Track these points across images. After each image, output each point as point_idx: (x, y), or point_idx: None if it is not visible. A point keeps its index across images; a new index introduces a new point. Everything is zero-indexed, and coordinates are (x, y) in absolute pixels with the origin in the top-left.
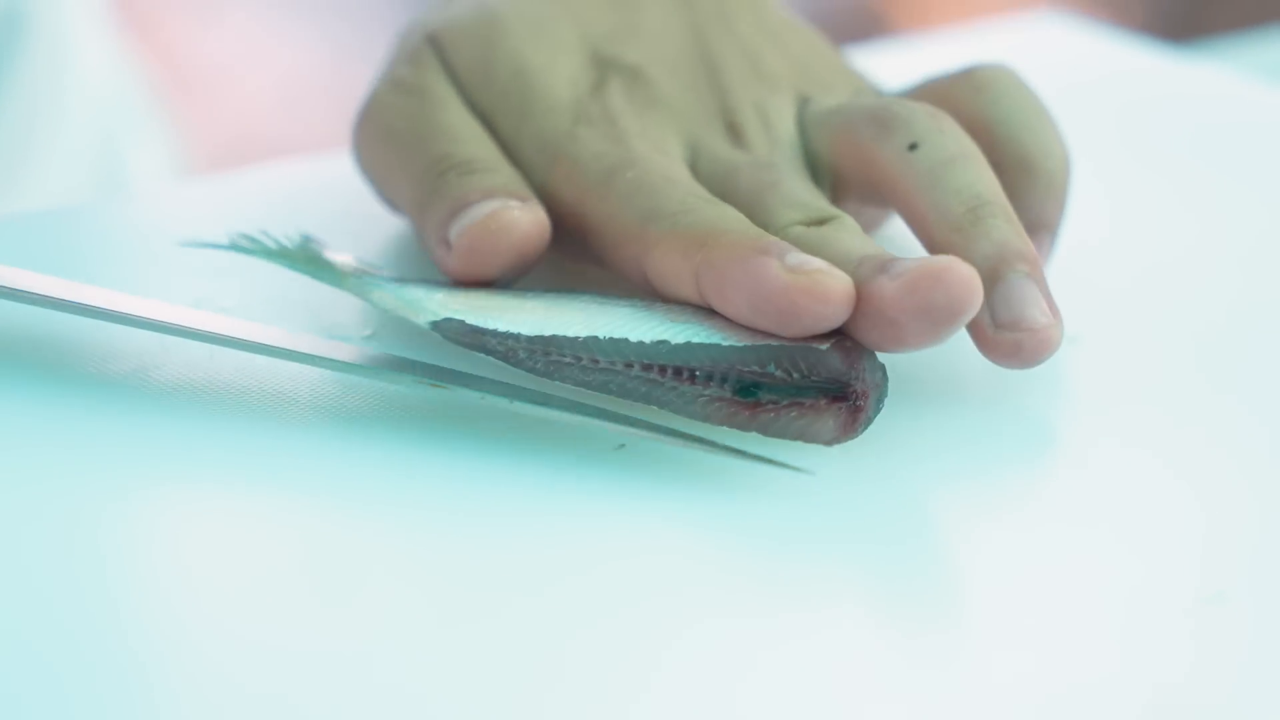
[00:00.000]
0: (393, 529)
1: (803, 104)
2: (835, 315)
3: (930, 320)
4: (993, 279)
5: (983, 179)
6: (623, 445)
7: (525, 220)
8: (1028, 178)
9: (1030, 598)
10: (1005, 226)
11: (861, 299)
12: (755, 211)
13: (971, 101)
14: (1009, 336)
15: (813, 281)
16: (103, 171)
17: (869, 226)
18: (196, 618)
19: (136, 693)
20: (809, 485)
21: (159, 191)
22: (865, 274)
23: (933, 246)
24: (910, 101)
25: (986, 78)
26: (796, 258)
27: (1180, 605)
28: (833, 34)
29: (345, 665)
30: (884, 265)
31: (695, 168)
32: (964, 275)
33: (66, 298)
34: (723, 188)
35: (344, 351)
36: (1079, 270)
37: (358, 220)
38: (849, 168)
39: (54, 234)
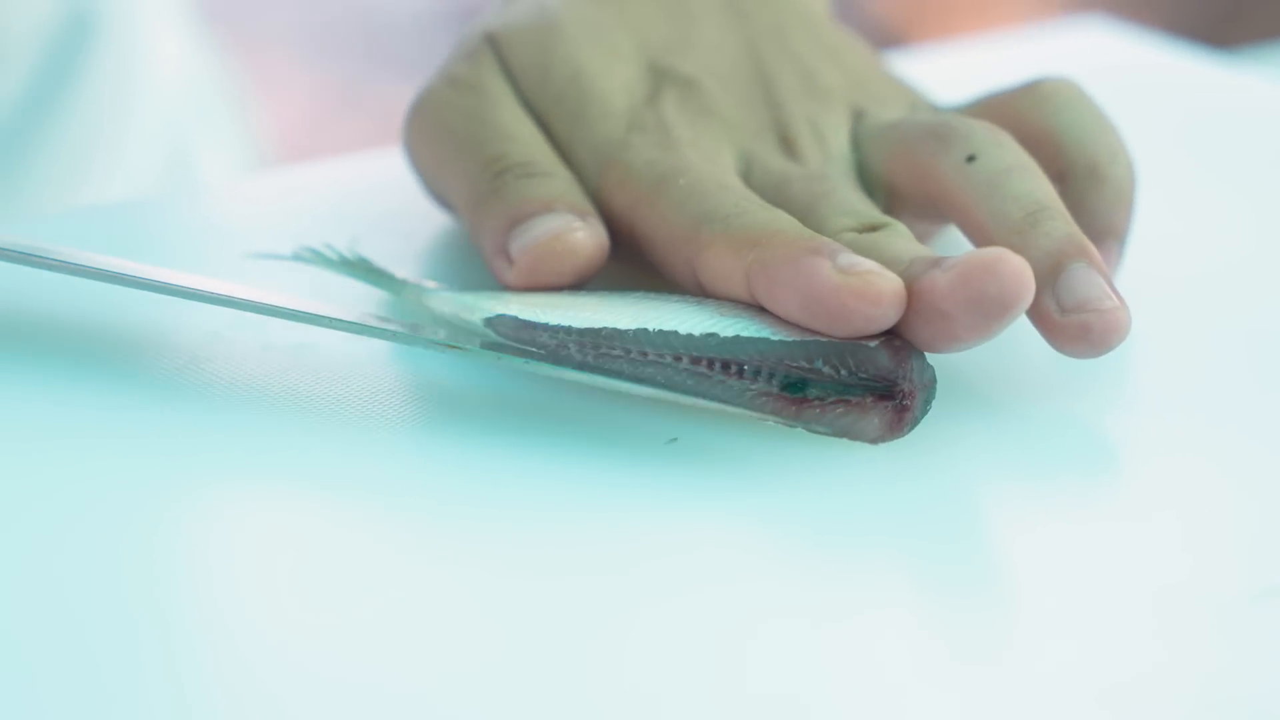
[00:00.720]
0: (440, 524)
1: (857, 119)
2: (885, 317)
3: (982, 312)
4: (1055, 271)
5: (1041, 187)
6: (675, 439)
7: (590, 244)
8: (1095, 185)
9: (1079, 593)
10: (1064, 226)
11: (913, 295)
12: (807, 220)
13: (1036, 113)
14: (1076, 319)
15: (864, 283)
16: (174, 168)
17: (921, 240)
18: (244, 608)
19: (182, 680)
20: (858, 479)
21: (223, 186)
22: (916, 271)
23: None
24: (966, 117)
25: (1050, 89)
26: (848, 259)
27: (1231, 600)
28: None
29: (390, 654)
30: (935, 261)
31: (748, 179)
32: (1015, 266)
33: (114, 270)
34: (775, 198)
35: (354, 313)
36: (1130, 272)
37: (412, 219)
38: (906, 182)
39: (116, 227)
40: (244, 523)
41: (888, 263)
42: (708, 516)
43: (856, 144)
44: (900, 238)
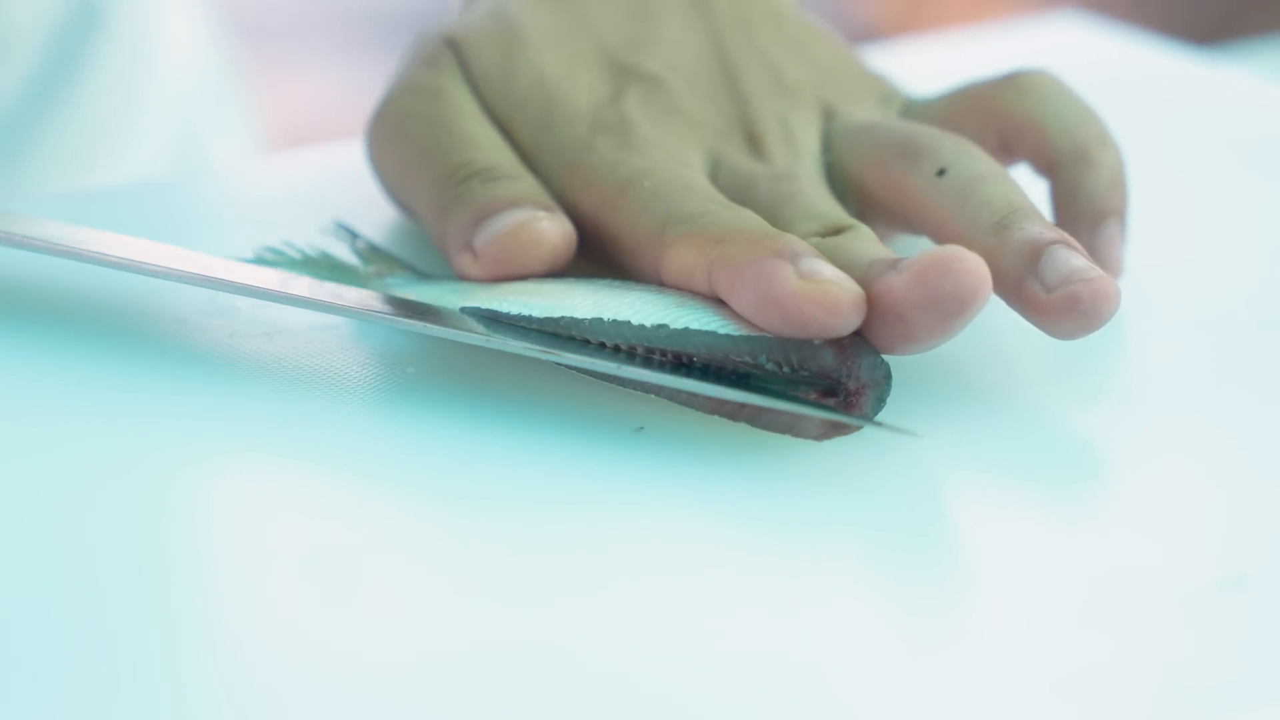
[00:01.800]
0: (411, 510)
1: (828, 117)
2: (843, 326)
3: (939, 311)
4: (1035, 258)
5: (1013, 191)
6: (641, 428)
7: (555, 232)
8: (1088, 168)
9: (1042, 581)
10: (1039, 223)
11: (871, 298)
12: (773, 222)
13: (1019, 105)
14: (1064, 291)
15: (823, 291)
16: (183, 153)
17: (884, 240)
18: (252, 591)
19: (185, 659)
20: (826, 469)
21: (232, 168)
22: (874, 273)
23: None
24: (934, 129)
25: (1031, 81)
26: (810, 265)
27: (1198, 589)
28: None
29: (362, 647)
30: (893, 263)
31: (714, 178)
32: (971, 263)
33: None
34: (741, 199)
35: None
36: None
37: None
38: (877, 192)
39: (121, 209)
40: (251, 502)
41: (849, 266)
42: (670, 505)
43: (827, 144)
44: (863, 240)
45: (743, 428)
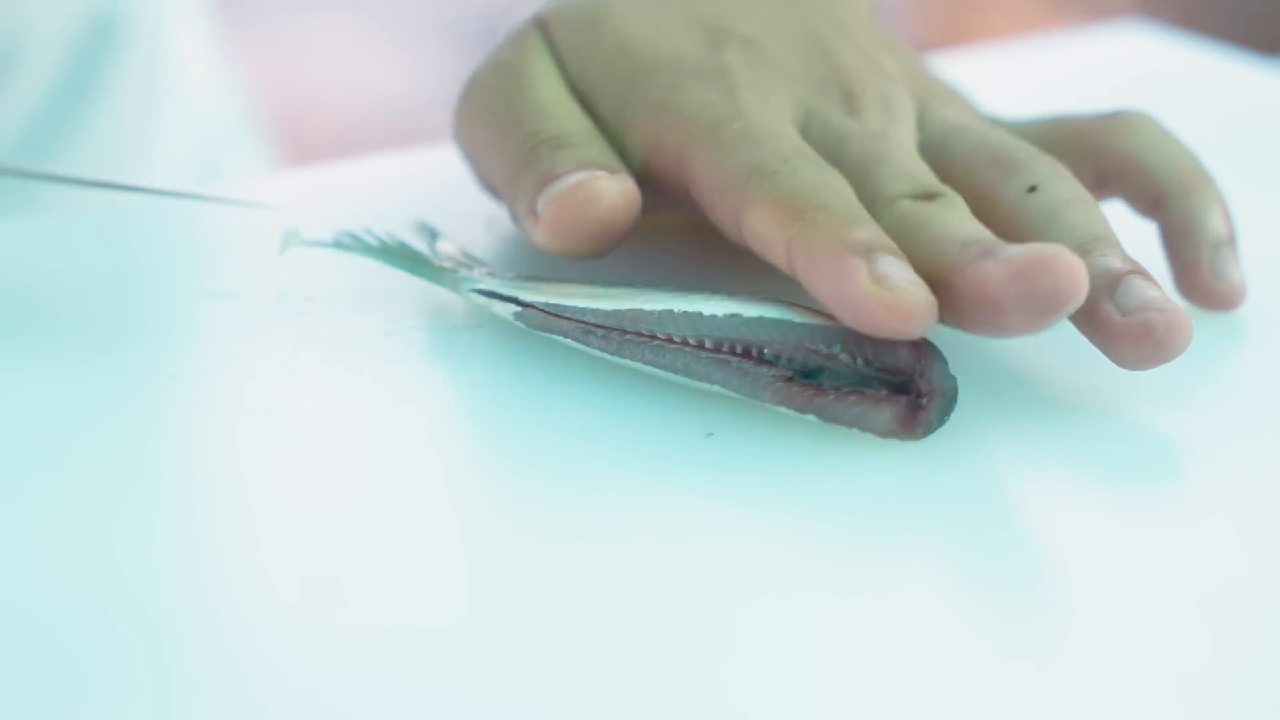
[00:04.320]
0: (475, 515)
1: (921, 105)
2: (913, 332)
3: (1035, 307)
4: (1114, 283)
5: (1099, 220)
6: (711, 434)
7: (613, 190)
8: (1196, 199)
9: (1128, 592)
10: (1120, 253)
11: (965, 283)
12: (863, 182)
13: (1123, 143)
14: (1139, 318)
15: (895, 299)
16: (203, 175)
17: None
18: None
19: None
20: (896, 471)
21: (248, 185)
22: (969, 258)
23: None
24: (1031, 146)
25: (1136, 120)
26: (884, 267)
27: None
28: None
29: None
30: (990, 250)
31: (806, 133)
32: (1071, 264)
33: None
34: (832, 155)
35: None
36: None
37: (448, 216)
38: (962, 195)
39: (138, 226)
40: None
41: (939, 242)
42: (744, 510)
43: (920, 128)
44: (956, 211)
45: (810, 431)
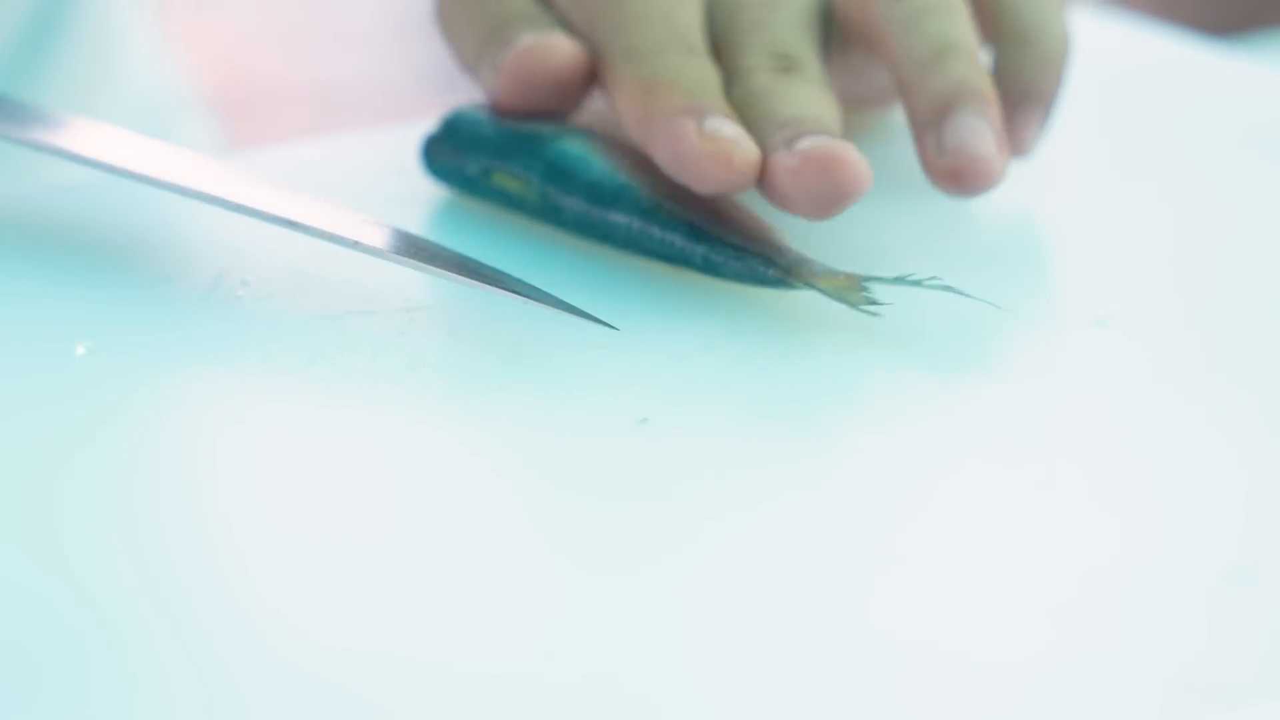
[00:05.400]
0: (413, 500)
1: None
2: (739, 183)
3: (815, 202)
4: (943, 112)
5: (957, 28)
6: (645, 419)
7: (566, 49)
8: (1023, 50)
9: (1055, 573)
10: (966, 68)
11: (765, 166)
12: (737, 49)
13: None
14: (948, 162)
15: (719, 149)
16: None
17: (883, 95)
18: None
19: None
20: (820, 483)
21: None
22: (776, 143)
23: (899, 87)
24: None
25: None
26: (714, 123)
27: (1203, 583)
28: None
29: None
30: (793, 138)
31: None
32: (850, 163)
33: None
34: (728, 19)
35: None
36: (1107, 256)
37: (381, 199)
38: (851, 18)
39: (77, 208)
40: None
41: (765, 120)
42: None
43: None
44: (797, 88)
45: (744, 413)
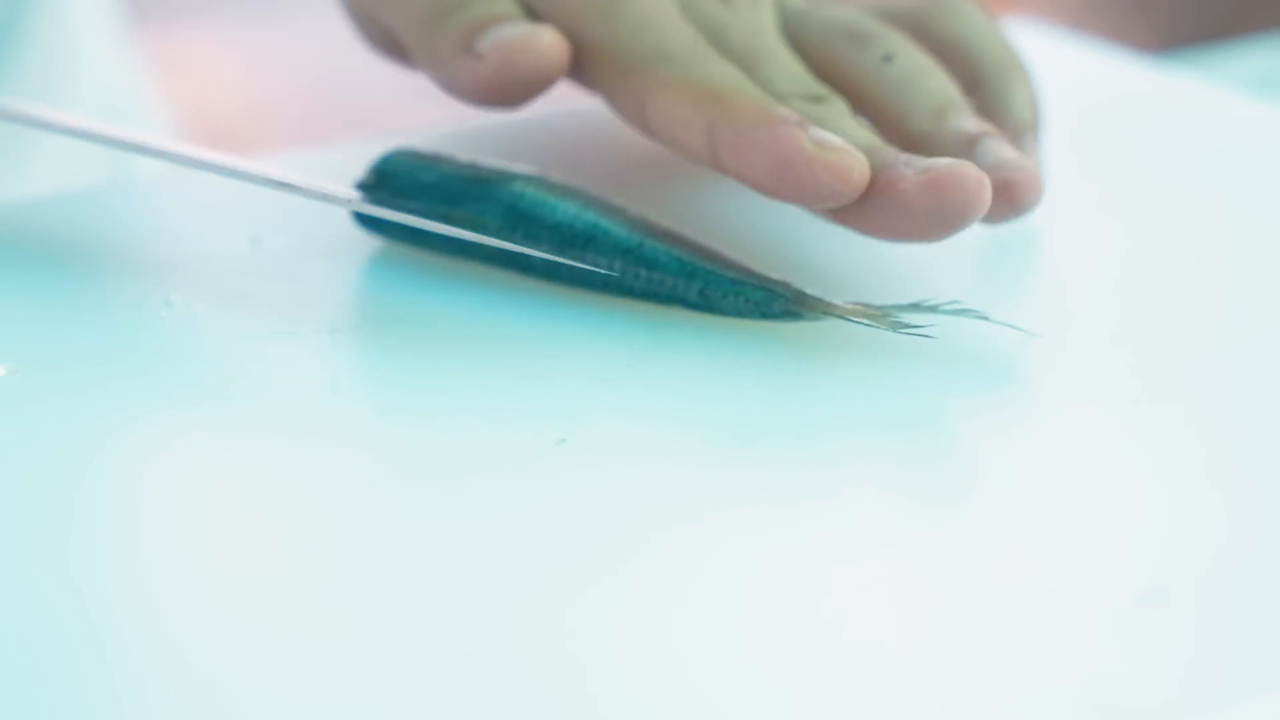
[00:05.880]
0: (337, 518)
1: None
2: (850, 196)
3: (943, 220)
4: (968, 146)
5: (950, 87)
6: (564, 440)
7: (557, 44)
8: (1010, 80)
9: (959, 591)
10: (972, 118)
11: (878, 185)
12: (752, 77)
13: (948, 24)
14: (996, 176)
15: (837, 159)
16: (104, 166)
17: None
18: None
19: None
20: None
21: (153, 178)
22: (881, 161)
23: (905, 140)
24: (877, 21)
25: (958, 5)
26: (818, 133)
27: (1115, 603)
28: None
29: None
30: (896, 157)
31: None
32: (979, 179)
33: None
34: (713, 44)
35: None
36: (1054, 271)
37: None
38: (823, 72)
39: (45, 221)
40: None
41: (854, 141)
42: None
43: (779, 18)
44: (844, 116)
45: (672, 437)
